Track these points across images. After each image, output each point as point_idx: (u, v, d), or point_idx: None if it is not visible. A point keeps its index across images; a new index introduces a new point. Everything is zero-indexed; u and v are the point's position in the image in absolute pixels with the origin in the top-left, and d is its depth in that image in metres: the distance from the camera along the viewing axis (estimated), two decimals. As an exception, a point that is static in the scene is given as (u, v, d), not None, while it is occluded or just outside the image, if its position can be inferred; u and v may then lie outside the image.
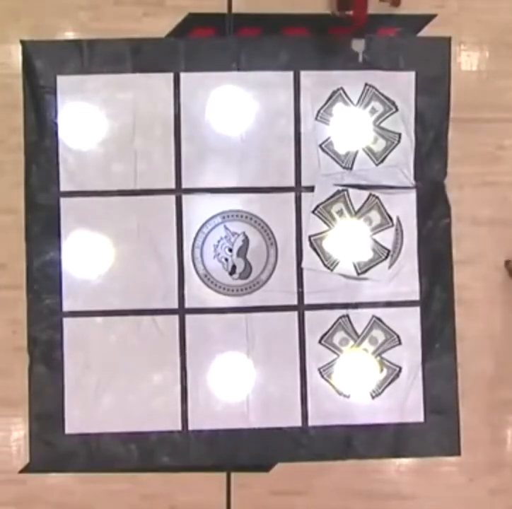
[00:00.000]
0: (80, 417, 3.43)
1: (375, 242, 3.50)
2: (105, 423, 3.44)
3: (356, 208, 3.50)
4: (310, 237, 3.49)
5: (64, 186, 3.47)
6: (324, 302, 3.51)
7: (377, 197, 3.47)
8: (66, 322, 3.45)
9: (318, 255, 3.50)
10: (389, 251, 3.49)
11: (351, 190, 3.48)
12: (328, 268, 3.50)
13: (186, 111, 3.49)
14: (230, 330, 3.48)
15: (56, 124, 3.46)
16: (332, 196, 3.49)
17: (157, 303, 3.47)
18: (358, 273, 3.50)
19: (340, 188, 3.48)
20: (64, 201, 3.46)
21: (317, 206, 3.50)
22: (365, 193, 3.49)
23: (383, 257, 3.49)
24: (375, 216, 3.50)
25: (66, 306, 3.45)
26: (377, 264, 3.50)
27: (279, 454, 3.48)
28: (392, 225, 3.50)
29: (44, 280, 3.44)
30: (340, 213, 3.51)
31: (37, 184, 3.45)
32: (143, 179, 3.48)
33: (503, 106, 3.57)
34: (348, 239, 3.52)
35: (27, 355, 3.42)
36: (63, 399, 3.43)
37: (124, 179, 3.48)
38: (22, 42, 3.43)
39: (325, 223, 3.50)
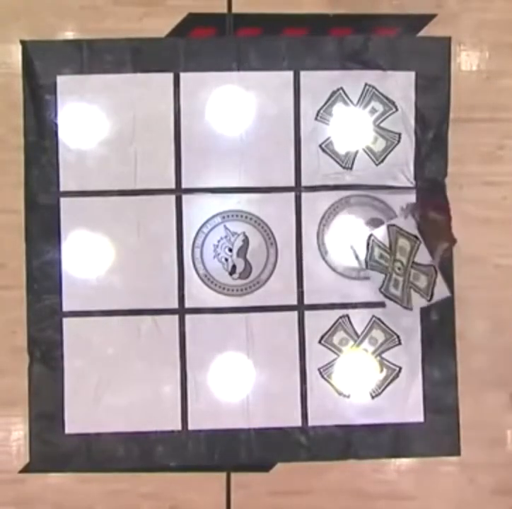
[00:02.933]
0: (80, 417, 3.43)
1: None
2: (105, 422, 3.44)
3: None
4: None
5: (63, 186, 3.47)
6: (324, 302, 3.51)
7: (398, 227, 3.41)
8: (66, 322, 3.45)
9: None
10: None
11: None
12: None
13: (186, 111, 3.49)
14: (230, 330, 3.48)
15: (56, 124, 3.45)
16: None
17: (157, 303, 3.47)
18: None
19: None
20: (63, 201, 3.46)
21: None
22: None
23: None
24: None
25: (66, 306, 3.45)
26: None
27: (279, 454, 3.49)
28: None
29: (44, 280, 3.44)
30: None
31: (37, 184, 3.45)
32: (143, 179, 3.48)
33: (503, 106, 3.57)
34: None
35: (27, 355, 3.42)
36: (63, 399, 3.42)
37: (124, 179, 3.47)
38: (22, 42, 3.42)
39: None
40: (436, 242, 3.33)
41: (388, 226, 3.41)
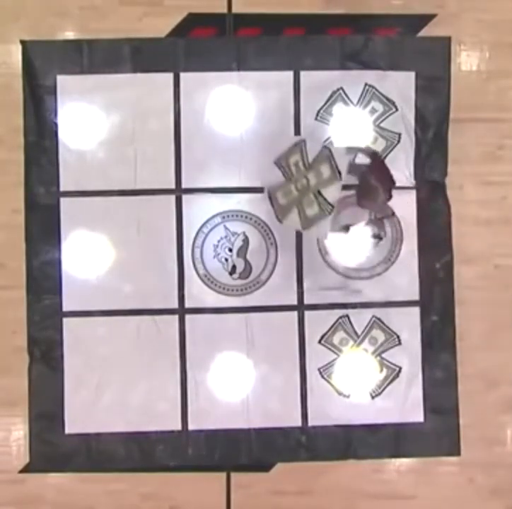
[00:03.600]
0: (80, 417, 3.44)
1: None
2: (105, 423, 3.44)
3: None
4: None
5: (63, 186, 3.47)
6: (324, 302, 3.51)
7: None
8: (66, 322, 3.45)
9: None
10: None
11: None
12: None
13: (186, 111, 3.49)
14: (230, 330, 3.48)
15: (56, 124, 3.46)
16: None
17: (157, 303, 3.47)
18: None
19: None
20: (63, 201, 3.46)
21: None
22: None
23: None
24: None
25: (66, 306, 3.45)
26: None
27: (279, 454, 3.48)
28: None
29: (44, 280, 3.44)
30: None
31: (37, 184, 3.45)
32: (143, 179, 3.48)
33: (503, 106, 3.57)
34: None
35: (27, 355, 3.42)
36: (63, 399, 3.43)
37: (124, 179, 3.48)
38: (22, 42, 3.42)
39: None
40: (363, 201, 3.19)
41: (324, 146, 3.18)
